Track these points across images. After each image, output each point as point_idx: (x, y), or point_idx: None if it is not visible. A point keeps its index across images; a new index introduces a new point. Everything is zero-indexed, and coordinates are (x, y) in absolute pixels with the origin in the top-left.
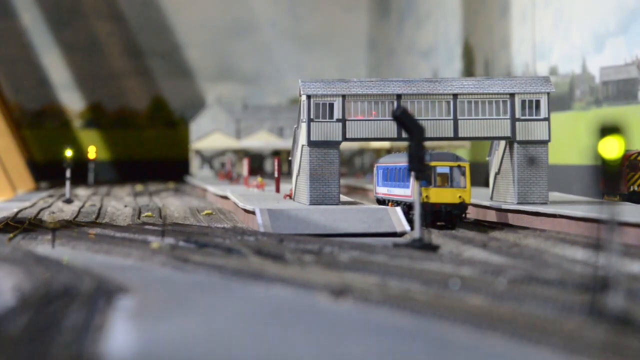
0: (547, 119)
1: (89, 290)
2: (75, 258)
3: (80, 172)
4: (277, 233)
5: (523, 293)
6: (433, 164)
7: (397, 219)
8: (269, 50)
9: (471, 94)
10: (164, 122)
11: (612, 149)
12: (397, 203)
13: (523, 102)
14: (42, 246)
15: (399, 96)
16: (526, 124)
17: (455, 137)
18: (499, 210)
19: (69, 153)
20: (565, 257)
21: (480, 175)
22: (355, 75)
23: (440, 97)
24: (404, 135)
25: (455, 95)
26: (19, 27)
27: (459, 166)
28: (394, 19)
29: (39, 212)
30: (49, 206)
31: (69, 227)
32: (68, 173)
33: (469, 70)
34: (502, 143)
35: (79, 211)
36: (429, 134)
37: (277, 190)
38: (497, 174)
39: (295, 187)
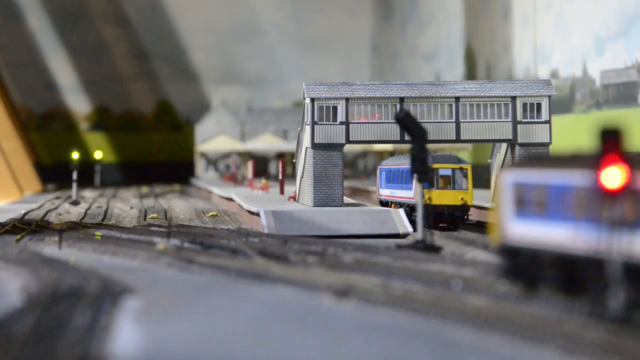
0: (548, 122)
1: (95, 291)
2: (82, 259)
3: (87, 174)
4: (281, 234)
5: (524, 294)
6: (435, 166)
7: (400, 221)
8: (273, 53)
9: (473, 97)
10: (170, 124)
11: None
12: (399, 205)
13: (524, 104)
14: (49, 247)
15: (401, 99)
16: (527, 126)
17: (457, 140)
18: None
19: (75, 155)
20: None
21: (482, 177)
22: (358, 79)
23: (442, 100)
24: (406, 137)
25: (457, 98)
26: (26, 31)
27: (461, 168)
28: (396, 23)
29: (46, 214)
30: (55, 208)
31: (76, 229)
32: (75, 175)
33: (470, 74)
34: (504, 145)
35: (86, 213)
36: (431, 136)
37: (282, 192)
38: (498, 175)
39: (299, 189)
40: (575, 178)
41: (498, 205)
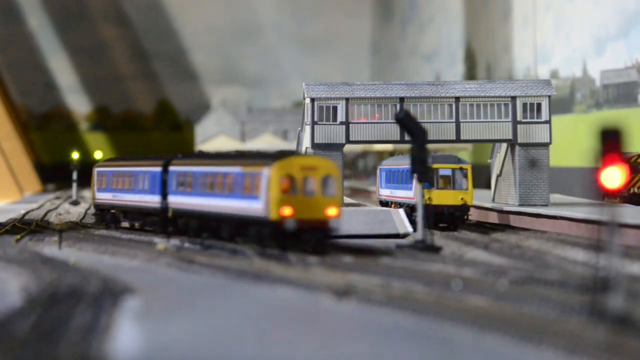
0: (548, 122)
1: (95, 291)
2: (82, 259)
3: (87, 174)
4: None
5: (524, 294)
6: (435, 166)
7: (400, 221)
8: (274, 54)
9: (473, 97)
10: (170, 124)
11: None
12: (399, 205)
13: (524, 105)
14: (49, 247)
15: (401, 99)
16: (527, 126)
17: (458, 140)
18: (500, 212)
19: (75, 155)
20: (566, 258)
21: (482, 178)
22: (358, 79)
23: (442, 100)
24: (406, 137)
25: (457, 98)
26: (26, 31)
27: (461, 168)
28: (397, 23)
29: (46, 214)
30: (55, 208)
31: (76, 229)
32: (75, 175)
33: (471, 74)
34: (504, 145)
35: (86, 213)
36: (431, 136)
37: None
38: (498, 176)
39: None
40: (113, 169)
41: (92, 184)
